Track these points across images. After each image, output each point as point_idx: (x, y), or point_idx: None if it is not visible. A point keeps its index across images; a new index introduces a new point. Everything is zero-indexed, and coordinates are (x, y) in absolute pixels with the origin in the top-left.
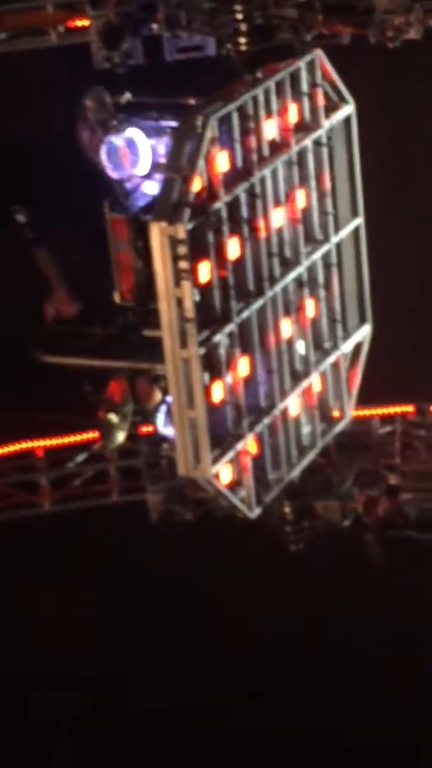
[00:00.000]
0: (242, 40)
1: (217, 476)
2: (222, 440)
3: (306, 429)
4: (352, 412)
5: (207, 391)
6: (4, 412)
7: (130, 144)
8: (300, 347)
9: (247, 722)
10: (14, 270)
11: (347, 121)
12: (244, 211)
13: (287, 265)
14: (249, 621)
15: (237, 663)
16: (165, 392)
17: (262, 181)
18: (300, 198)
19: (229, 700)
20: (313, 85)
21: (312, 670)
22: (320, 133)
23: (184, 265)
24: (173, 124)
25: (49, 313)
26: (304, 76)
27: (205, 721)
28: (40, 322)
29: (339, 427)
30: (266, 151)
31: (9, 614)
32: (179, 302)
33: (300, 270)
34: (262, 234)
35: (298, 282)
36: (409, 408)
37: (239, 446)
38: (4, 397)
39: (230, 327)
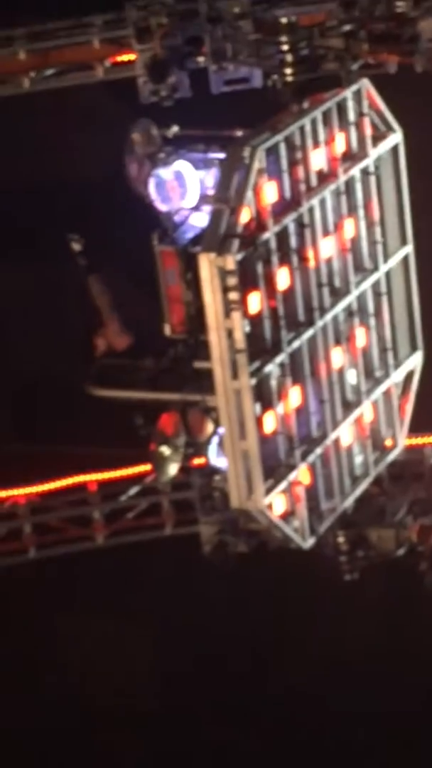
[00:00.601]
0: (288, 70)
1: (270, 507)
2: (274, 471)
3: (358, 458)
4: (404, 440)
5: (259, 422)
6: (58, 446)
7: (178, 176)
8: (351, 376)
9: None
10: (66, 303)
11: (395, 149)
12: (293, 242)
13: (337, 294)
14: (308, 652)
15: (298, 694)
16: (217, 424)
17: (311, 211)
18: (349, 227)
19: (294, 730)
20: (359, 114)
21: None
22: (368, 162)
23: (234, 296)
24: (221, 155)
25: (100, 347)
26: (350, 105)
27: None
28: (92, 356)
29: (392, 456)
30: (314, 181)
31: (64, 650)
32: (230, 333)
33: (350, 299)
34: (312, 264)
35: (349, 311)
36: None
37: (292, 477)
38: (58, 431)
39: (281, 357)
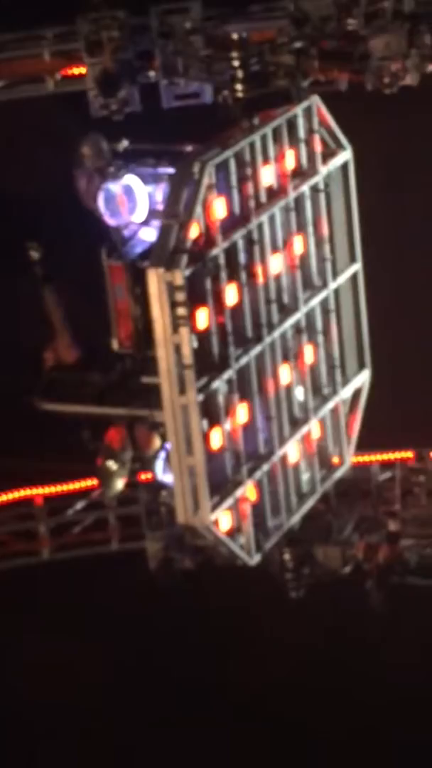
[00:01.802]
0: (239, 86)
1: (216, 523)
2: (221, 487)
3: (305, 475)
4: (351, 458)
5: (206, 437)
6: (3, 459)
7: (128, 191)
8: (299, 393)
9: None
10: (16, 315)
11: (344, 167)
12: (242, 258)
13: (285, 311)
14: (252, 667)
15: (244, 711)
16: (164, 439)
17: (260, 227)
18: (298, 244)
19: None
20: (310, 131)
21: (313, 716)
22: (317, 179)
23: (182, 311)
24: (170, 170)
25: (48, 360)
26: (301, 122)
27: None
28: (39, 369)
29: (338, 474)
30: (264, 198)
31: (3, 665)
32: (177, 349)
33: (298, 316)
34: (260, 280)
35: (297, 328)
36: (409, 454)
37: (238, 493)
38: (3, 444)
39: (229, 373)
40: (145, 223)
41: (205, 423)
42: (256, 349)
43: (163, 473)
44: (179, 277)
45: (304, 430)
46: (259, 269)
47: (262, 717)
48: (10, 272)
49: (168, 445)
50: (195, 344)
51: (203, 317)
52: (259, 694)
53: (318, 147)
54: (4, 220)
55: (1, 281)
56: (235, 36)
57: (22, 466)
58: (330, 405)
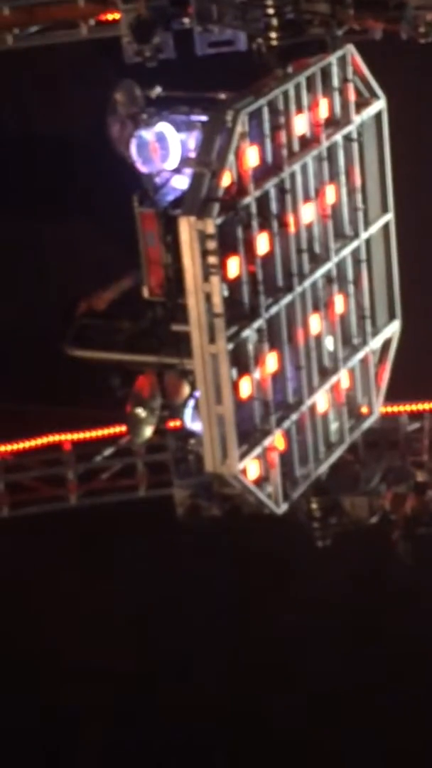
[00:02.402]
0: (273, 34)
1: (244, 472)
2: (249, 436)
3: (334, 425)
4: (380, 408)
5: (235, 386)
6: (32, 405)
7: (160, 138)
8: (328, 343)
9: (274, 723)
10: (48, 261)
11: (378, 116)
12: (274, 207)
13: (316, 261)
14: (277, 619)
15: (262, 663)
16: (193, 387)
17: (292, 176)
18: (330, 194)
19: (257, 700)
20: (344, 80)
21: (336, 668)
22: (351, 128)
23: (213, 260)
24: (203, 118)
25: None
26: (335, 71)
27: (234, 721)
28: (70, 316)
29: (367, 424)
30: (296, 147)
31: (33, 608)
32: (208, 297)
33: (329, 266)
34: (292, 230)
35: (328, 278)
36: None
37: (267, 442)
38: (33, 390)
39: (259, 323)
40: (178, 171)
41: (234, 372)
42: (287, 299)
43: (191, 421)
44: (211, 225)
45: (333, 379)
46: (290, 218)
47: (284, 666)
48: (44, 218)
49: (197, 393)
50: (225, 293)
51: (234, 266)
52: (281, 641)
53: (352, 96)
54: (38, 167)
55: (38, 224)
56: None
57: (52, 412)
58: (360, 355)
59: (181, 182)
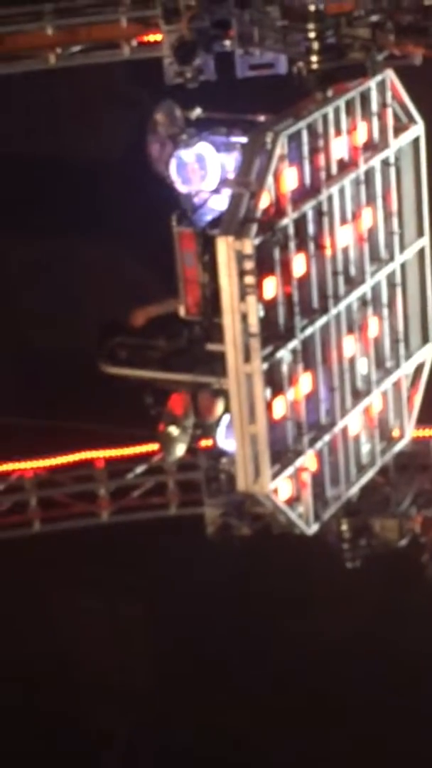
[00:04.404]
0: (314, 58)
1: (275, 492)
2: (282, 456)
3: (365, 447)
4: (411, 431)
5: (268, 406)
6: (67, 421)
7: (200, 159)
8: (362, 366)
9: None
10: (85, 279)
11: (416, 141)
12: (311, 229)
13: (352, 283)
14: (305, 638)
15: (291, 679)
16: (226, 407)
17: (330, 199)
18: (366, 217)
19: (284, 713)
20: (382, 105)
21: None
22: (388, 153)
23: (250, 280)
24: (243, 140)
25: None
26: (374, 95)
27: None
28: (107, 333)
29: (398, 447)
30: (334, 170)
31: (60, 623)
32: (244, 317)
33: (364, 288)
34: (328, 252)
35: (362, 301)
36: None
37: (299, 462)
38: (67, 406)
39: (294, 343)
40: (216, 191)
41: (268, 392)
42: (322, 320)
43: (224, 440)
44: (248, 245)
45: (366, 402)
46: (327, 241)
47: (306, 687)
48: (82, 239)
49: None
50: (261, 313)
51: (270, 287)
52: (308, 661)
53: (390, 121)
54: (77, 183)
55: (73, 248)
56: (312, 7)
57: (85, 429)
58: (392, 378)
59: (219, 203)
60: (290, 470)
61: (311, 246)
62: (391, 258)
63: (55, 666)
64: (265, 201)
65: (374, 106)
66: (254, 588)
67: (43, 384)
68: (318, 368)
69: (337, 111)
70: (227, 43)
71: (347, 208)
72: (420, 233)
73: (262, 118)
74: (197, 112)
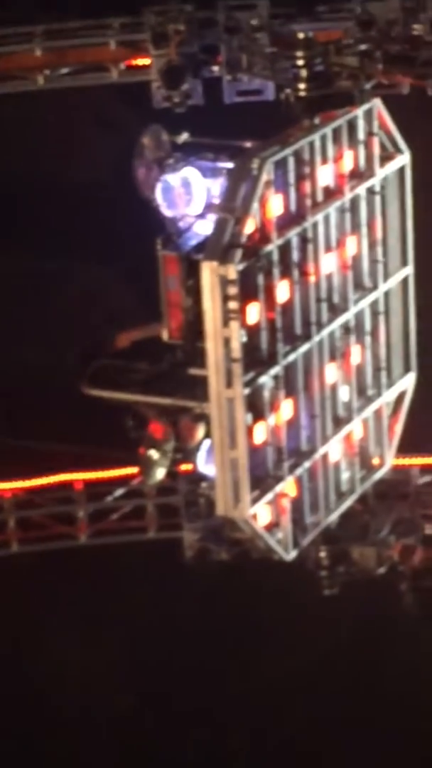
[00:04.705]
0: (302, 85)
1: (255, 517)
2: (261, 481)
3: (345, 475)
4: (392, 460)
5: (249, 431)
6: (46, 442)
7: (185, 183)
8: (343, 393)
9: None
10: (65, 300)
11: (401, 171)
12: (295, 255)
13: (335, 310)
14: (278, 663)
15: (263, 706)
16: (207, 431)
17: (315, 226)
18: (351, 245)
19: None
20: (369, 133)
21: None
22: (374, 181)
23: (233, 305)
24: (229, 165)
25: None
26: (361, 124)
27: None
28: (86, 355)
29: (378, 475)
30: (320, 197)
31: (35, 643)
32: (226, 342)
33: (347, 316)
34: (312, 279)
35: (345, 328)
36: None
37: (278, 488)
38: (47, 428)
39: (276, 369)
40: (201, 216)
41: (249, 417)
42: (304, 347)
43: (204, 465)
44: (232, 271)
45: (347, 429)
46: (311, 268)
47: (281, 716)
48: (65, 262)
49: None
50: (244, 339)
51: (254, 312)
52: (282, 690)
53: (376, 150)
54: (61, 205)
55: (54, 264)
56: (301, 35)
57: (65, 451)
58: (374, 406)
59: (204, 227)
60: (270, 496)
61: (295, 272)
62: (375, 286)
63: (25, 686)
64: (250, 227)
65: (361, 135)
66: (227, 612)
67: (24, 405)
68: (300, 395)
69: (323, 139)
70: (215, 68)
71: (332, 236)
72: (404, 262)
73: (248, 144)
74: (184, 136)
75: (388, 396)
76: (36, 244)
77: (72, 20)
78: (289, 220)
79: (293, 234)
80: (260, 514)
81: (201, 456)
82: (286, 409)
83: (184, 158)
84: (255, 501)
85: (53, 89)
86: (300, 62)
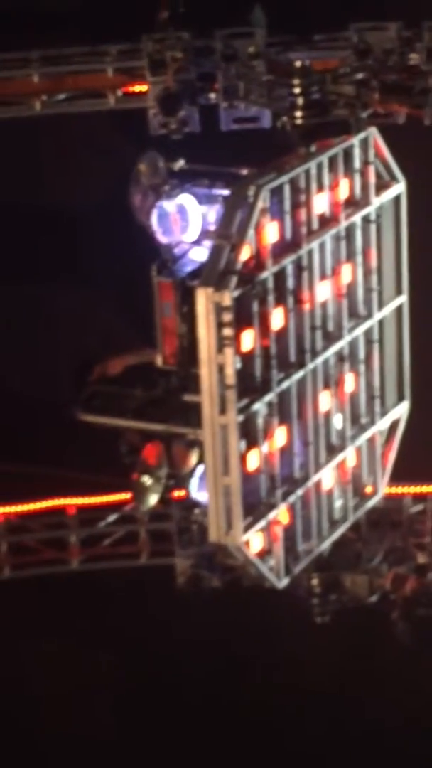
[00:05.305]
0: (298, 113)
1: (247, 544)
2: (254, 509)
3: (338, 502)
4: (384, 488)
5: (243, 458)
6: (39, 467)
7: (181, 210)
8: (337, 421)
9: None
10: (56, 327)
11: (397, 199)
12: (290, 283)
13: (329, 338)
14: (270, 688)
15: (254, 733)
16: (200, 458)
17: (310, 254)
18: (346, 273)
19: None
20: (365, 162)
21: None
22: (370, 210)
23: (228, 332)
24: (225, 192)
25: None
26: (357, 152)
27: None
28: (80, 380)
29: (371, 503)
30: (315, 225)
31: (25, 669)
32: (221, 369)
33: (342, 344)
34: (307, 306)
35: (339, 356)
36: None
37: (271, 516)
38: (40, 452)
39: (270, 396)
40: (197, 242)
41: (242, 444)
42: (299, 374)
43: (197, 491)
44: (227, 297)
45: (340, 457)
46: (306, 295)
47: (271, 743)
48: (59, 286)
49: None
50: (238, 365)
51: (248, 339)
52: (273, 716)
53: (372, 178)
54: (57, 231)
55: (50, 295)
56: (297, 63)
57: (57, 476)
58: (367, 434)
59: (199, 254)
60: (262, 523)
61: (290, 300)
62: (370, 314)
63: (18, 710)
64: (245, 254)
65: (357, 163)
66: (220, 639)
67: (17, 429)
68: (293, 422)
69: (319, 167)
70: (212, 95)
71: (327, 264)
72: (399, 291)
73: (244, 172)
74: (180, 163)
75: (382, 424)
76: (30, 270)
77: (70, 46)
78: (285, 247)
79: (288, 261)
80: (253, 541)
81: (194, 482)
82: (279, 436)
83: (180, 185)
84: (247, 528)
85: (50, 115)
86: (296, 90)
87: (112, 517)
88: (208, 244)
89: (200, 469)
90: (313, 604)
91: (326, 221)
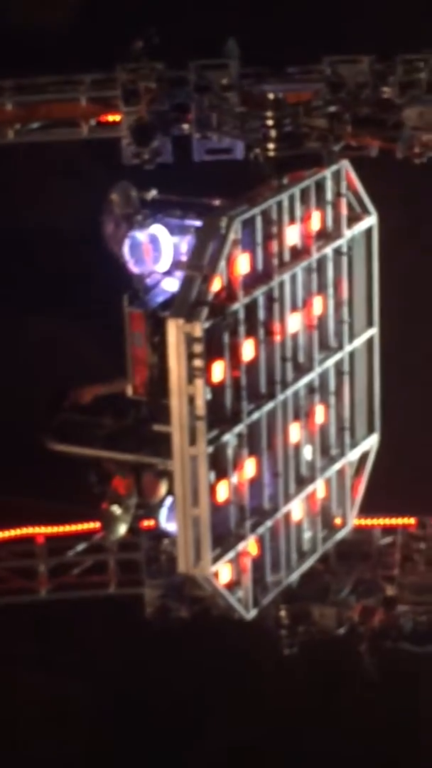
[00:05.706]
0: (271, 145)
1: (216, 575)
2: (223, 540)
3: (307, 534)
4: (354, 520)
5: (212, 489)
6: (8, 496)
7: (153, 240)
8: (307, 452)
9: None
10: (26, 356)
11: (369, 231)
12: (261, 314)
13: (300, 370)
14: (238, 719)
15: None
16: (170, 488)
17: (281, 285)
18: (317, 305)
19: None
20: (337, 194)
21: None
22: (341, 242)
23: (198, 363)
24: (197, 223)
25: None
26: (329, 185)
27: None
28: (50, 409)
29: (340, 535)
30: (287, 257)
31: None
32: (191, 399)
33: (312, 376)
34: (278, 338)
35: (310, 388)
36: (411, 521)
37: (240, 547)
38: (9, 481)
39: (240, 428)
40: (169, 273)
41: (212, 475)
42: (269, 406)
43: (166, 522)
44: (198, 328)
45: (309, 489)
46: (277, 327)
47: None
48: (30, 313)
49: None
50: (209, 396)
51: (219, 370)
52: (242, 747)
53: (344, 210)
54: (30, 260)
55: (21, 322)
56: (271, 95)
57: (26, 505)
58: (337, 466)
59: (171, 285)
60: (231, 554)
61: (261, 331)
62: (340, 346)
63: None
64: (216, 285)
65: (329, 195)
66: (188, 670)
67: None
68: (263, 453)
69: (291, 198)
70: (185, 126)
71: (298, 295)
72: (370, 323)
73: (217, 203)
74: (153, 193)
75: (352, 456)
76: (1, 296)
77: (43, 75)
78: (256, 279)
79: (260, 293)
80: (221, 572)
81: (163, 513)
82: (249, 467)
83: (152, 215)
84: (216, 559)
85: (23, 143)
86: (269, 122)
87: (80, 547)
88: (179, 274)
89: (170, 499)
90: (282, 635)
91: (298, 253)
